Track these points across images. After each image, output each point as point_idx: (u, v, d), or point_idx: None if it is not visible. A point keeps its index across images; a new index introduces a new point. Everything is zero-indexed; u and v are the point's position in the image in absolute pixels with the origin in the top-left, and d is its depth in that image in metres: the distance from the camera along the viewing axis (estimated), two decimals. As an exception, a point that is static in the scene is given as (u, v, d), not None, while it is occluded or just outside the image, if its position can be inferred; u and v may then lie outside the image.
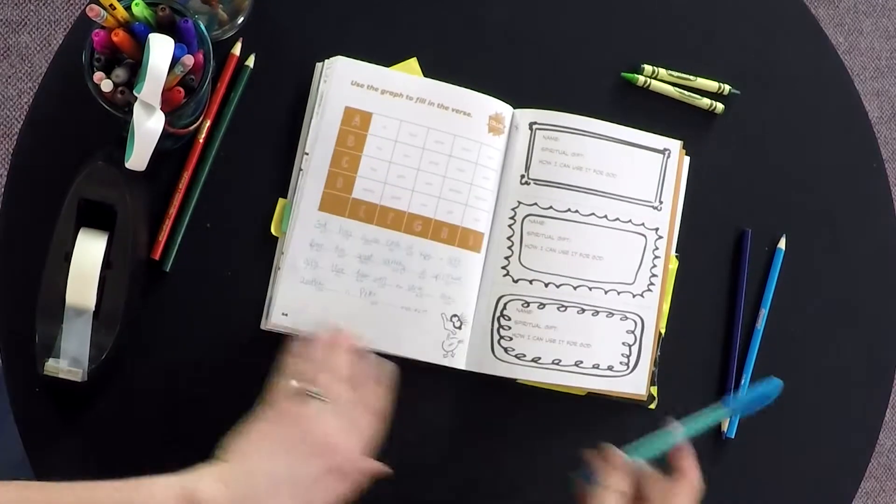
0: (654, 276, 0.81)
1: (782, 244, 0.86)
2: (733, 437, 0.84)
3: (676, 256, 0.84)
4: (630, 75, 0.85)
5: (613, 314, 0.80)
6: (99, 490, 0.58)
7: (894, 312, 0.90)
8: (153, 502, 0.58)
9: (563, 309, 0.79)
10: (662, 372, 0.82)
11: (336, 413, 0.65)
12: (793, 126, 0.89)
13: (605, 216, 0.80)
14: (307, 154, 0.77)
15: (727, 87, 0.86)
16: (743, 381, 0.84)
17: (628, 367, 0.80)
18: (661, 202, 0.82)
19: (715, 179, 0.86)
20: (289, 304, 0.75)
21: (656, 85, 0.84)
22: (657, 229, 0.81)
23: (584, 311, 0.79)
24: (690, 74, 0.85)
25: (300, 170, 0.77)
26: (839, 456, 0.87)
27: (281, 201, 0.77)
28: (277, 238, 0.77)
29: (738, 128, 0.87)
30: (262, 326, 0.76)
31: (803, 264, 0.87)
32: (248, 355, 0.76)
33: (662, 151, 0.82)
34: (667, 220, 0.82)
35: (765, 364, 0.85)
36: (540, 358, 0.78)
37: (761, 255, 0.86)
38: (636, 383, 0.80)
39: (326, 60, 0.78)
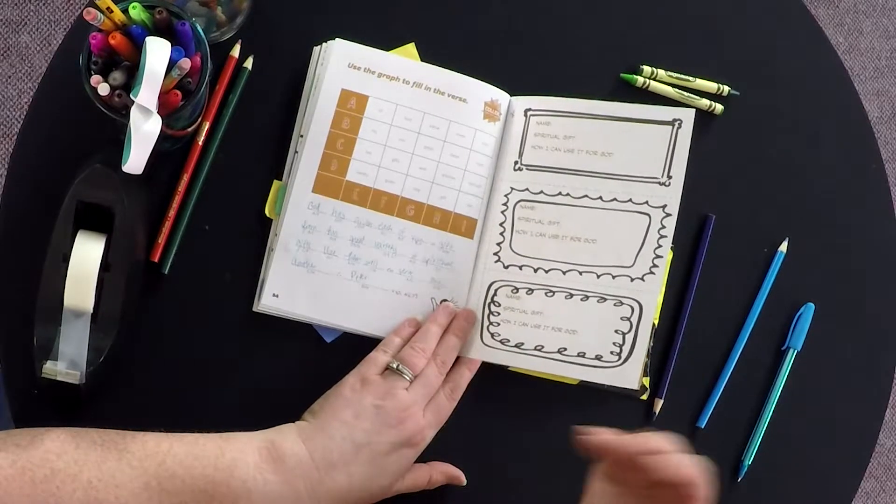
0: (658, 257, 0.77)
1: (783, 247, 0.86)
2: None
3: (671, 247, 0.83)
4: (629, 76, 0.84)
5: (606, 299, 0.77)
6: (187, 438, 0.65)
7: (894, 312, 0.90)
8: (241, 453, 0.65)
9: (551, 294, 0.77)
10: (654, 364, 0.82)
11: (416, 388, 0.72)
12: (792, 127, 0.89)
13: (600, 197, 0.79)
14: (302, 136, 0.77)
15: (726, 88, 0.86)
16: (721, 378, 0.84)
17: (619, 358, 0.76)
18: (669, 177, 0.78)
19: (714, 180, 0.86)
20: (279, 285, 0.75)
21: (655, 86, 0.84)
22: (664, 206, 0.78)
23: (571, 295, 0.77)
24: (689, 75, 0.85)
25: (295, 152, 0.77)
26: (839, 456, 0.87)
27: (276, 183, 0.77)
28: (271, 221, 0.77)
29: (738, 129, 0.87)
30: (254, 308, 0.76)
31: (802, 264, 0.87)
32: (248, 351, 0.76)
33: (671, 123, 0.79)
34: (677, 195, 0.78)
35: (762, 363, 0.85)
36: (523, 343, 0.77)
37: (760, 255, 0.86)
38: (626, 376, 0.75)
39: (324, 43, 0.78)
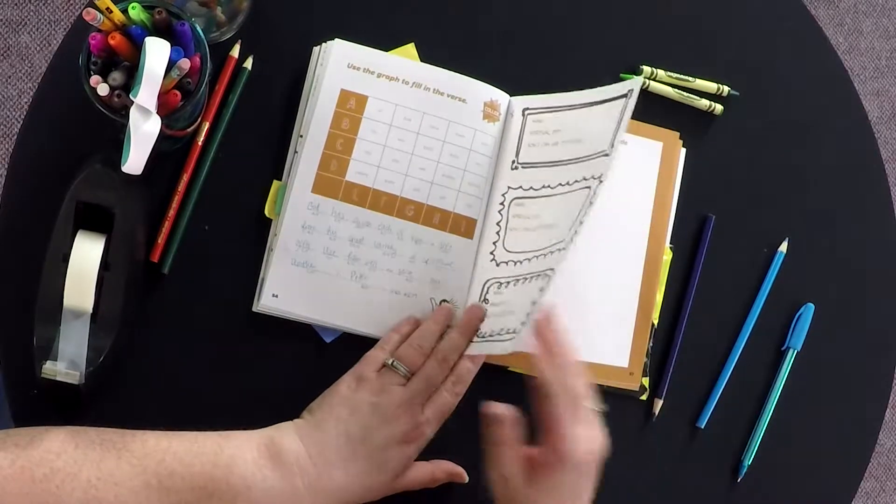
0: (580, 223, 0.73)
1: (783, 247, 0.86)
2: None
3: (671, 248, 0.84)
4: (629, 76, 0.84)
5: (541, 276, 0.74)
6: (186, 436, 0.65)
7: (894, 312, 0.90)
8: (240, 450, 0.66)
9: (517, 283, 0.77)
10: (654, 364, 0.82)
11: (413, 385, 0.72)
12: (792, 127, 0.89)
13: (567, 182, 0.77)
14: (301, 136, 0.77)
15: (726, 89, 0.86)
16: (721, 378, 0.84)
17: (523, 325, 0.72)
18: (612, 147, 0.74)
19: (714, 180, 0.86)
20: (279, 285, 0.75)
21: (655, 86, 0.84)
22: (600, 176, 0.74)
23: (527, 280, 0.76)
24: (689, 76, 0.85)
25: (295, 152, 0.77)
26: (839, 456, 0.87)
27: (275, 183, 0.77)
28: (271, 221, 0.77)
29: (738, 129, 0.87)
30: (254, 308, 0.76)
31: (802, 264, 0.87)
32: (248, 351, 0.76)
33: (625, 95, 0.76)
34: (613, 163, 0.73)
35: (762, 363, 0.85)
36: (484, 333, 0.76)
37: (760, 255, 0.86)
38: (508, 345, 0.72)
39: (324, 43, 0.78)
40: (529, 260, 0.77)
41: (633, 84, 0.76)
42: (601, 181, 0.74)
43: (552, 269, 0.73)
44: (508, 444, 0.69)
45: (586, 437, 0.67)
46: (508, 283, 0.77)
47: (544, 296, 0.71)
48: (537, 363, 0.68)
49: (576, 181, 0.77)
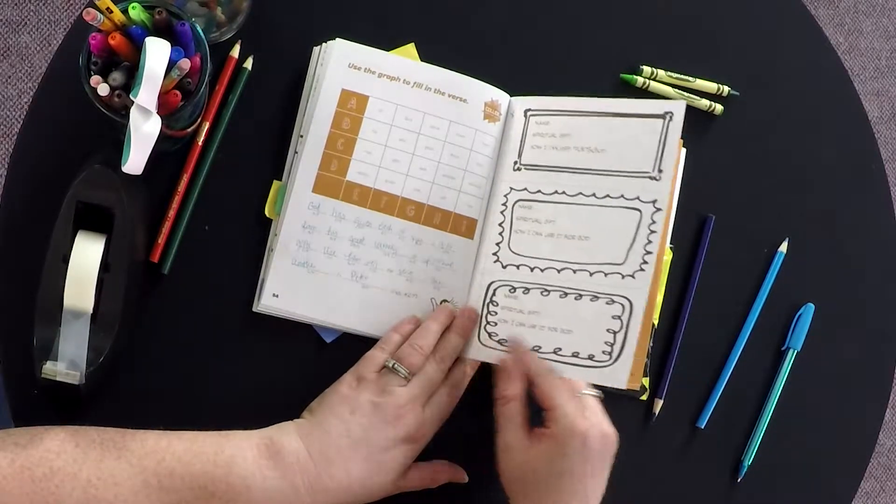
0: (648, 253, 0.73)
1: (783, 247, 0.86)
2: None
3: (671, 248, 0.84)
4: (629, 76, 0.84)
5: (598, 297, 0.74)
6: (186, 435, 0.66)
7: (894, 312, 0.90)
8: (239, 449, 0.66)
9: (546, 293, 0.76)
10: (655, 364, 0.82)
11: (414, 385, 0.72)
12: (792, 127, 0.89)
13: (594, 194, 0.76)
14: (302, 136, 0.77)
15: (726, 89, 0.86)
16: (721, 378, 0.84)
17: (611, 357, 0.72)
18: (660, 171, 0.74)
19: (714, 180, 0.86)
20: (280, 285, 0.76)
21: (655, 86, 0.84)
22: (654, 201, 0.73)
23: (566, 294, 0.75)
24: (689, 76, 0.85)
25: (295, 152, 0.77)
26: (839, 456, 0.87)
27: (275, 183, 0.77)
28: (271, 221, 0.77)
29: (738, 129, 0.87)
30: (254, 308, 0.76)
31: (802, 264, 0.87)
32: (248, 351, 0.76)
33: (663, 116, 0.75)
34: (666, 190, 0.73)
35: (762, 363, 0.85)
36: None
37: (760, 255, 0.86)
38: (615, 376, 0.71)
39: (324, 43, 0.78)
40: (559, 271, 0.76)
41: (674, 107, 0.75)
42: (657, 209, 0.73)
43: (625, 298, 0.72)
44: (510, 397, 0.71)
45: (583, 415, 0.69)
46: (528, 289, 0.76)
47: (632, 329, 0.71)
48: (525, 360, 0.73)
49: (607, 196, 0.75)
